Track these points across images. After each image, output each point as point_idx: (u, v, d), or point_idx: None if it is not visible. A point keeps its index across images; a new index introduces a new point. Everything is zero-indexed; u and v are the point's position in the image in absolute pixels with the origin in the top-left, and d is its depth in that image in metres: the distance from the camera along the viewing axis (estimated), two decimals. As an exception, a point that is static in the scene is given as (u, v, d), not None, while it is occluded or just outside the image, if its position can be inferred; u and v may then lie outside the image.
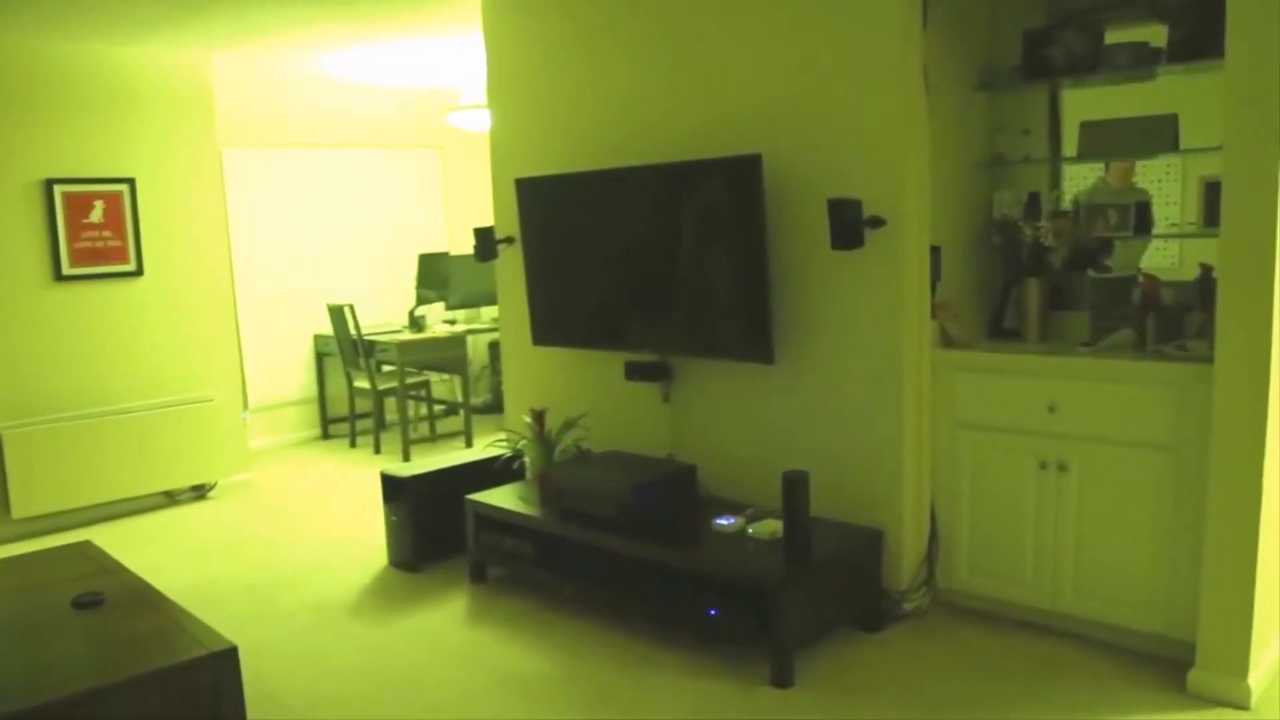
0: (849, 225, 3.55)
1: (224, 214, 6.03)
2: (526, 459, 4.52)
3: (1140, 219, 3.74)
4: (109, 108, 5.57)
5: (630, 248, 4.22)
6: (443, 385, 7.40)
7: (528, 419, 4.36)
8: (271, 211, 7.04)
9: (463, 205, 7.99)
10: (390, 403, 7.10)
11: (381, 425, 7.12)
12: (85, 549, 3.54)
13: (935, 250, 3.73)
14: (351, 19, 5.10)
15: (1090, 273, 3.86)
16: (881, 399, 3.68)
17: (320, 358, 7.25)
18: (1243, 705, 3.00)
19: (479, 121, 6.45)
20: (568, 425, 4.26)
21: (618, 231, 4.26)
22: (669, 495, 3.89)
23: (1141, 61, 3.60)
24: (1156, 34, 3.59)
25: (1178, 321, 3.47)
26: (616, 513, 3.78)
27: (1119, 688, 3.16)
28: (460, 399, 7.10)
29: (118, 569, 3.30)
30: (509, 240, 4.83)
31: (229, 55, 5.94)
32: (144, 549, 4.95)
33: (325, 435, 7.32)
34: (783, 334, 3.83)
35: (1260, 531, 2.98)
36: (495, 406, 7.60)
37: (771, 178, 3.72)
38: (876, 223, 3.58)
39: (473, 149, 7.94)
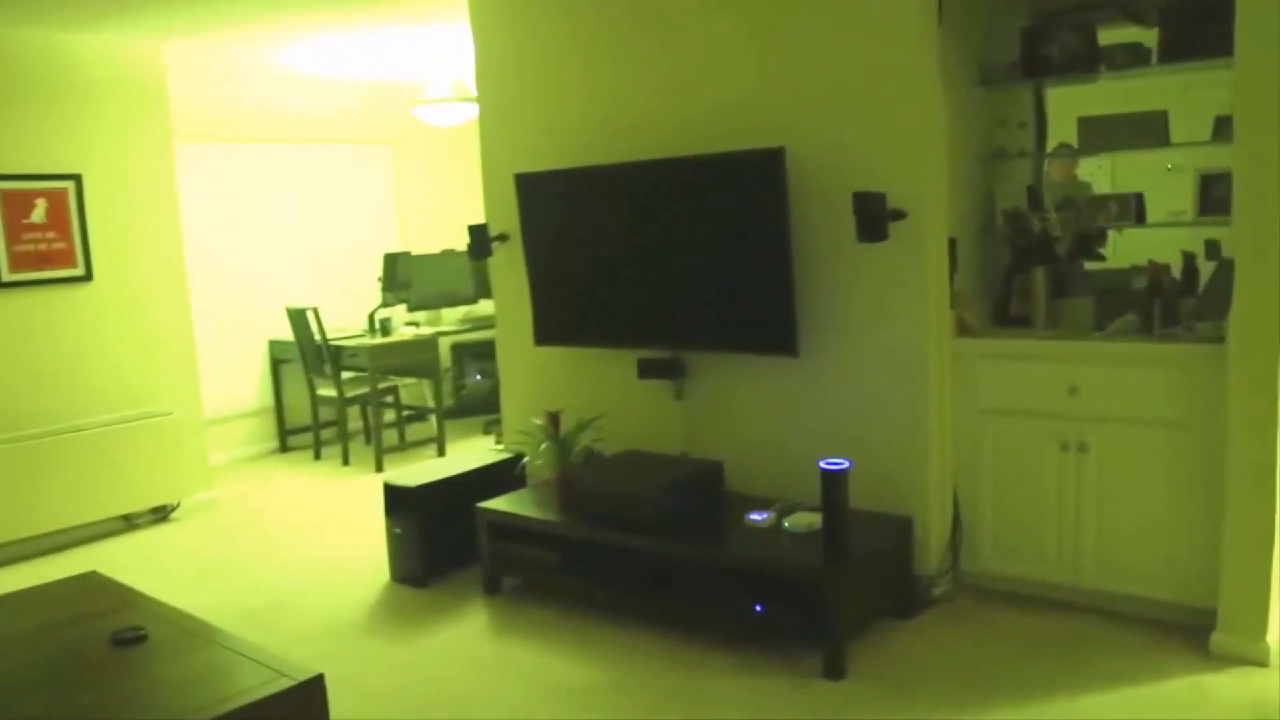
0: (874, 218, 3.62)
1: (177, 213, 5.78)
2: (529, 463, 4.46)
3: (1138, 211, 3.90)
4: (52, 98, 5.24)
5: (644, 243, 4.20)
6: (409, 391, 7.25)
7: (539, 421, 4.31)
8: (220, 210, 6.78)
9: (417, 203, 7.85)
10: (353, 411, 6.93)
11: (344, 435, 6.97)
12: (94, 579, 3.36)
13: (952, 242, 3.82)
14: (317, 7, 4.95)
15: (1085, 262, 4.02)
16: (907, 388, 3.75)
17: (276, 365, 7.04)
18: (1263, 663, 3.18)
19: (448, 115, 6.35)
20: (581, 426, 4.23)
21: (631, 227, 4.24)
22: (699, 493, 3.90)
23: (1135, 61, 3.75)
24: (1146, 35, 3.76)
25: (1175, 306, 3.64)
26: (649, 513, 3.77)
27: (1149, 655, 3.30)
28: (432, 404, 6.98)
29: (143, 600, 3.13)
30: (503, 237, 4.76)
31: (181, 45, 5.68)
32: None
33: (284, 448, 7.10)
34: (805, 326, 3.87)
35: (1277, 499, 3.15)
36: (462, 410, 7.50)
37: (790, 170, 3.76)
38: (898, 215, 3.65)
39: (428, 144, 7.81)
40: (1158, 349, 3.43)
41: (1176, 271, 3.71)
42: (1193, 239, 3.72)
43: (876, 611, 3.63)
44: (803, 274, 3.86)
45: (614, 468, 4.07)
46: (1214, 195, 3.62)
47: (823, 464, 3.52)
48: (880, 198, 3.62)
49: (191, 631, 2.82)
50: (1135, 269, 3.94)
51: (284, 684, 2.45)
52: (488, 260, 4.88)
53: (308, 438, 7.02)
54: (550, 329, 4.58)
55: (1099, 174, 4.23)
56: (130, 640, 2.72)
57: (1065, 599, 3.69)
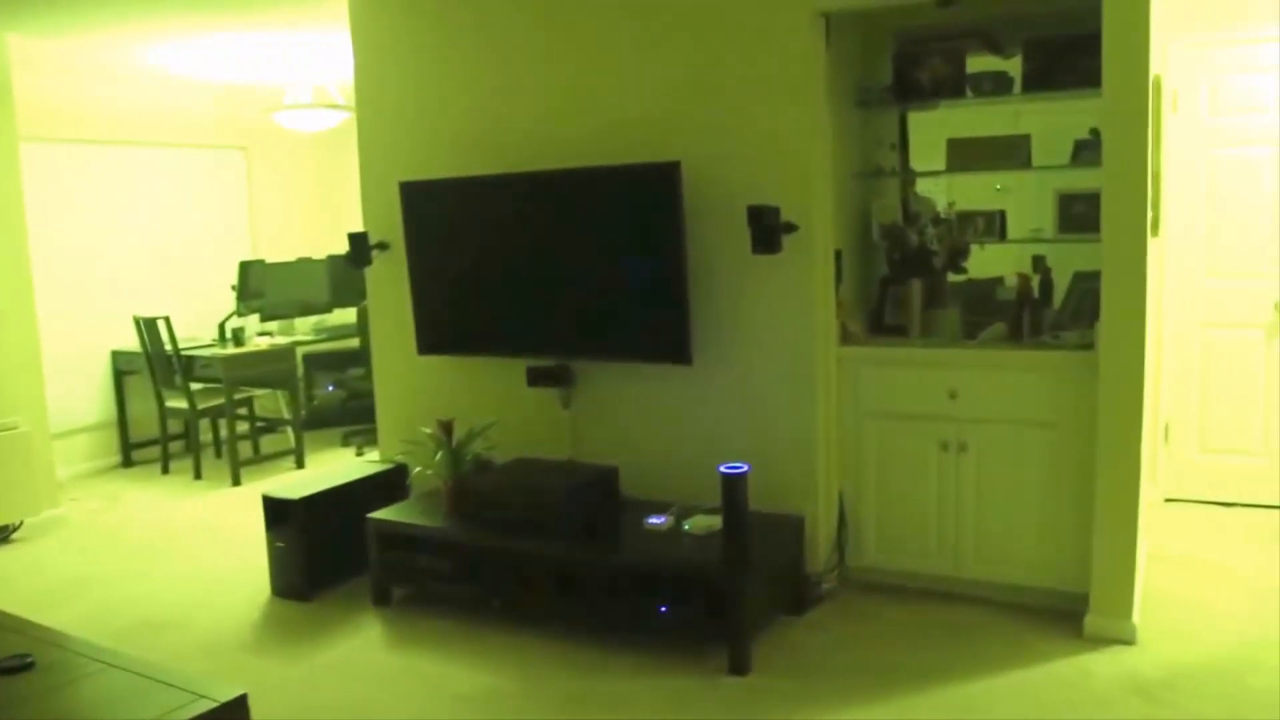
0: (768, 230, 3.77)
1: (22, 215, 5.40)
2: (419, 472, 4.40)
3: (1001, 227, 4.20)
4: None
5: (538, 253, 4.23)
6: (260, 403, 6.98)
7: (429, 430, 4.26)
8: (60, 213, 6.39)
9: (270, 210, 7.58)
10: (204, 424, 6.63)
11: (190, 448, 6.66)
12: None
13: (837, 254, 4.02)
14: (178, 9, 4.76)
15: (950, 274, 4.30)
16: (796, 393, 3.92)
17: (120, 376, 6.66)
18: (1131, 640, 3.48)
19: (310, 121, 6.17)
20: (473, 435, 4.21)
21: (524, 237, 4.26)
22: (595, 498, 3.95)
23: (1000, 88, 4.05)
24: (1011, 65, 4.06)
25: (1039, 315, 3.95)
26: (549, 518, 3.80)
27: (1029, 639, 3.55)
28: (286, 415, 6.74)
29: (18, 622, 2.84)
30: (384, 245, 4.69)
31: (24, 38, 5.33)
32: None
33: (128, 462, 6.72)
34: (698, 335, 3.99)
35: (1139, 491, 3.47)
36: (314, 422, 7.28)
37: (685, 183, 3.85)
38: (790, 228, 3.81)
39: (282, 150, 7.56)
40: (1031, 355, 3.71)
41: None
42: (1053, 254, 4.05)
43: (772, 608, 3.76)
44: (695, 284, 3.97)
45: (509, 475, 4.07)
46: (1072, 214, 3.94)
47: (723, 468, 3.64)
48: (774, 211, 3.78)
49: (83, 655, 2.58)
50: (992, 280, 4.25)
51: (205, 706, 2.24)
52: (363, 269, 4.80)
53: (152, 451, 6.68)
54: (434, 338, 4.54)
55: (934, 190, 4.52)
56: (16, 668, 2.45)
57: (947, 590, 3.92)
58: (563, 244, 4.18)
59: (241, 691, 2.34)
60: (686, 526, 3.78)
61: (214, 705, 2.28)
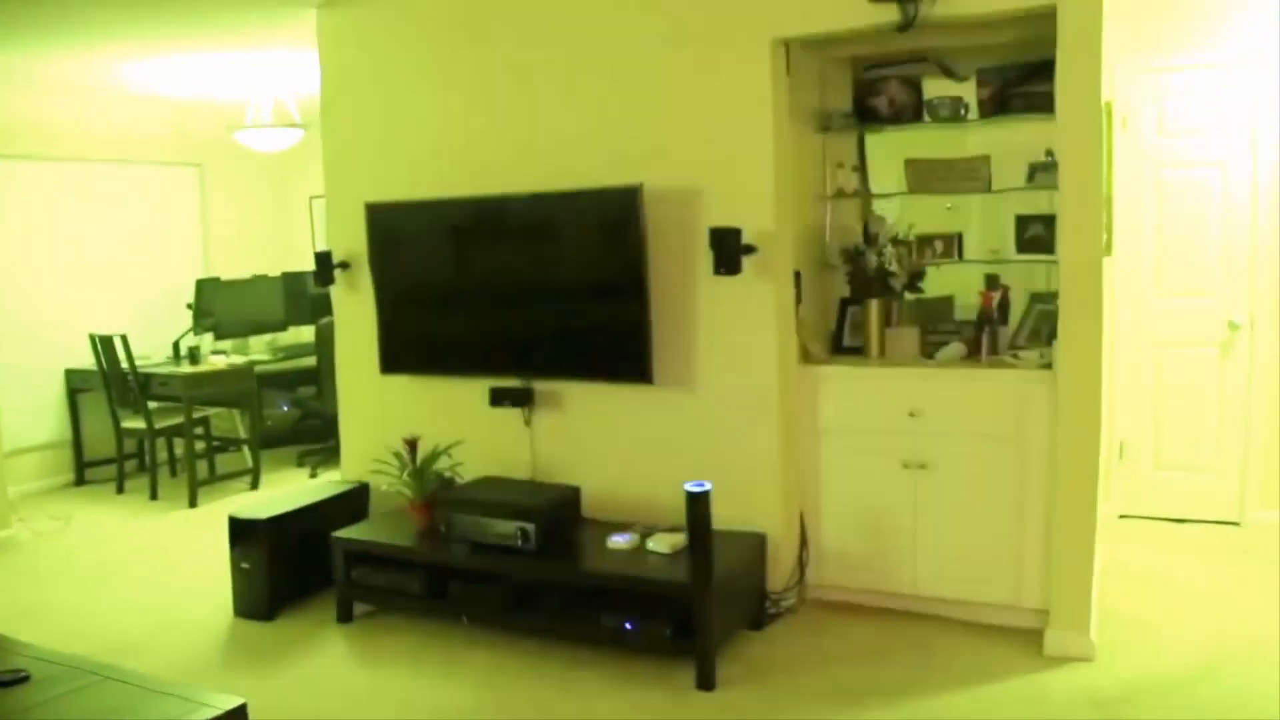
0: (729, 252, 3.83)
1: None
2: (386, 490, 4.40)
3: (959, 248, 4.30)
4: None
5: (501, 274, 4.27)
6: (217, 421, 6.90)
7: (396, 449, 4.26)
8: (11, 230, 6.31)
9: (224, 227, 7.53)
10: (160, 443, 6.56)
11: (144, 467, 6.58)
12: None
13: (797, 275, 4.08)
14: (154, 31, 4.75)
15: (907, 294, 4.39)
16: (757, 412, 3.97)
17: (74, 395, 6.56)
18: (1090, 657, 3.54)
19: (271, 141, 6.15)
20: (436, 454, 4.22)
21: (488, 258, 4.30)
22: (560, 517, 3.97)
23: (956, 114, 4.15)
24: (965, 89, 4.17)
25: (996, 334, 4.05)
26: (517, 537, 3.81)
27: (990, 655, 3.61)
28: (244, 435, 6.68)
29: (4, 641, 2.84)
30: (344, 265, 4.69)
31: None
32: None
33: (80, 481, 6.62)
34: (660, 354, 4.03)
35: (1096, 508, 3.56)
36: (266, 442, 7.21)
37: (647, 205, 3.91)
38: (750, 250, 3.88)
39: (237, 167, 7.52)
40: (989, 374, 3.79)
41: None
42: (1011, 274, 4.15)
43: (734, 624, 3.80)
44: (657, 305, 4.01)
45: (474, 493, 4.07)
46: (1029, 235, 4.05)
47: (687, 486, 3.69)
48: (735, 233, 3.84)
49: (76, 668, 2.59)
50: (950, 300, 4.34)
51: (207, 714, 2.27)
52: (327, 288, 4.80)
53: (105, 471, 6.60)
54: (398, 357, 4.55)
55: (886, 209, 4.60)
56: (12, 682, 2.48)
57: (907, 607, 3.98)
58: (526, 265, 4.22)
59: (241, 700, 2.35)
60: (650, 545, 3.81)
61: (216, 713, 2.30)
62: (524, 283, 4.23)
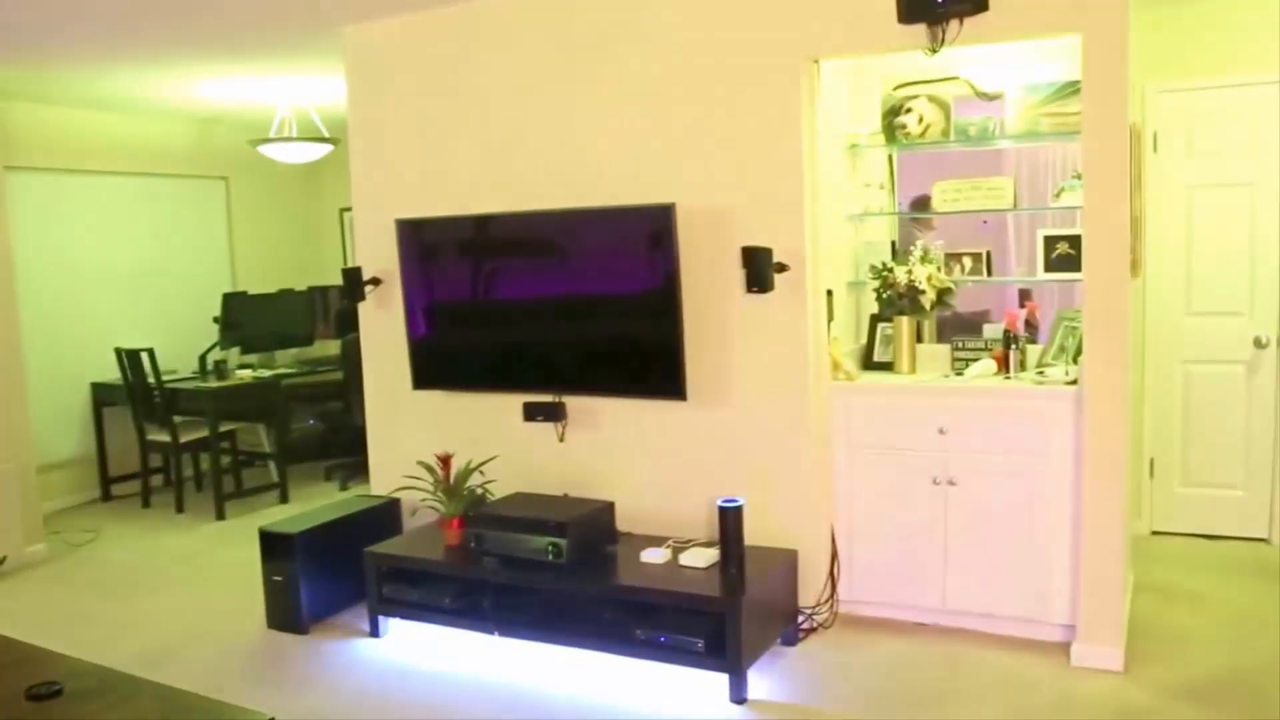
0: (762, 270, 3.87)
1: (7, 245, 5.38)
2: (420, 505, 4.43)
3: (988, 265, 4.33)
4: None
5: (530, 290, 4.30)
6: (242, 436, 6.95)
7: (429, 464, 4.29)
8: (38, 243, 6.36)
9: (251, 240, 7.59)
10: (186, 457, 6.60)
11: (169, 482, 6.63)
12: (-24, 636, 3.11)
13: (829, 293, 4.11)
14: (181, 58, 4.82)
15: (937, 311, 4.41)
16: (789, 428, 4.00)
17: (99, 409, 6.62)
18: (1118, 669, 3.56)
19: (298, 153, 6.21)
20: (469, 470, 4.25)
21: (517, 274, 4.34)
22: (594, 532, 4.00)
23: (984, 134, 4.19)
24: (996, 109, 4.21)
25: (1024, 351, 4.07)
26: (552, 552, 3.84)
27: (1018, 669, 3.62)
28: (270, 449, 6.72)
29: (38, 652, 2.92)
30: (376, 281, 4.74)
31: (9, 68, 5.37)
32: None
33: (107, 496, 6.67)
34: (693, 371, 4.06)
35: (1123, 522, 3.58)
36: (294, 455, 7.26)
37: (679, 224, 3.95)
38: (782, 268, 3.91)
39: (262, 181, 7.59)
40: (1018, 390, 3.81)
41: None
42: (1038, 290, 4.17)
43: (767, 638, 3.81)
44: (690, 322, 4.04)
45: (508, 509, 4.10)
46: (1056, 254, 4.07)
47: (720, 501, 3.72)
48: (767, 252, 3.88)
49: (109, 683, 2.65)
50: (980, 317, 4.37)
51: None
52: (356, 304, 4.84)
53: (131, 485, 6.65)
54: (430, 372, 4.58)
55: (915, 227, 4.63)
56: (46, 695, 2.53)
57: (936, 621, 4.00)
58: (558, 281, 4.25)
59: (269, 716, 2.39)
60: (683, 560, 3.83)
61: None
62: (556, 299, 4.26)
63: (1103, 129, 3.46)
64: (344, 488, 6.66)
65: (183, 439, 6.23)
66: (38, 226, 6.40)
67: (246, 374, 6.65)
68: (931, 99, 4.24)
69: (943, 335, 4.45)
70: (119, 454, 6.70)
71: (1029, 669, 3.62)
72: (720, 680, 3.51)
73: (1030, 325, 4.20)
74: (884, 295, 4.32)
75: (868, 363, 4.40)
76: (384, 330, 4.78)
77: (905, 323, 4.25)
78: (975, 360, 4.15)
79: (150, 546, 5.67)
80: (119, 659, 4.03)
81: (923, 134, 4.24)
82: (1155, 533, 5.08)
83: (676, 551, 3.91)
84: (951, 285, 4.28)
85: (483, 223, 4.37)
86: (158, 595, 4.85)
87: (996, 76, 4.12)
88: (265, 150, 6.22)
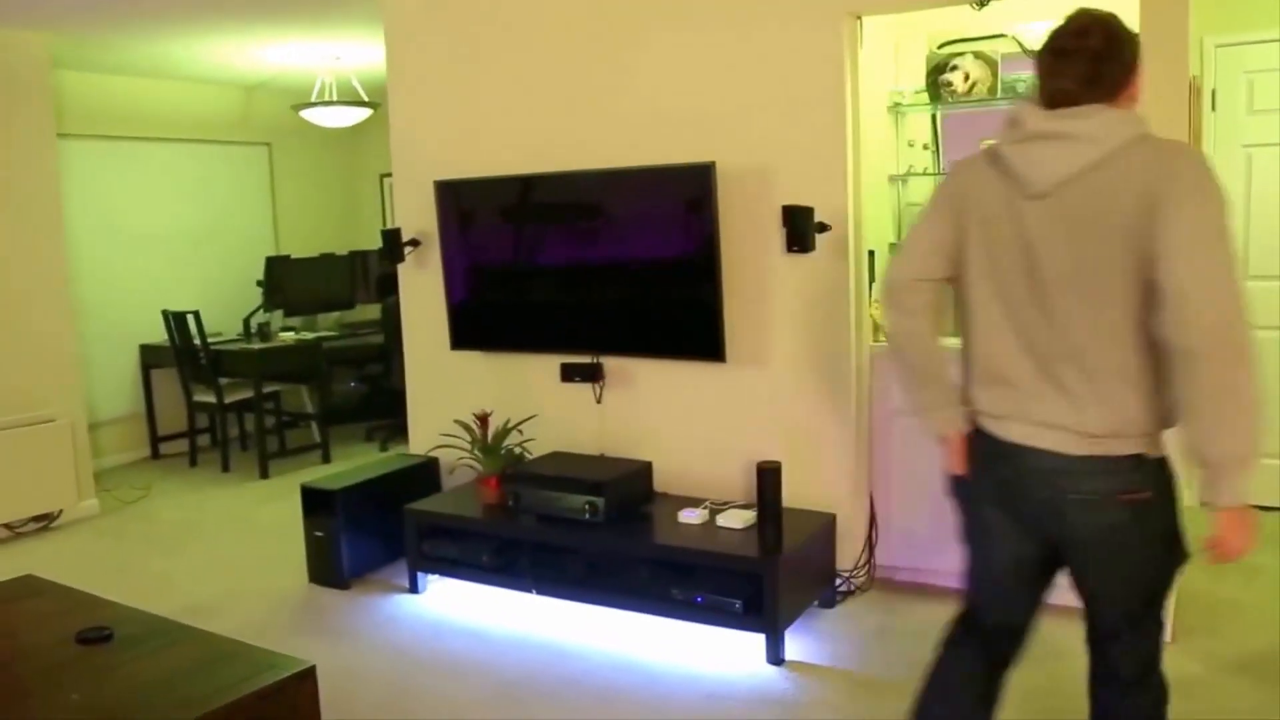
0: (802, 230, 3.83)
1: (59, 211, 5.49)
2: (457, 464, 4.47)
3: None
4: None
5: (569, 251, 4.29)
6: (286, 397, 7.04)
7: (467, 422, 4.32)
8: (87, 208, 6.46)
9: (293, 205, 7.66)
10: (230, 417, 6.71)
11: (215, 441, 6.74)
12: (32, 582, 3.20)
13: (870, 254, 4.07)
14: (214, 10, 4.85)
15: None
16: (829, 391, 3.97)
17: (148, 370, 6.73)
18: (1165, 639, 3.47)
19: (339, 118, 6.24)
20: (507, 429, 4.27)
21: (555, 235, 4.33)
22: (632, 492, 4.01)
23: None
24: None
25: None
26: (591, 511, 3.85)
27: (1061, 633, 3.50)
28: (312, 410, 6.81)
29: (92, 600, 3.00)
30: (415, 243, 4.76)
31: (59, 34, 5.42)
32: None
33: (156, 455, 6.80)
34: (732, 332, 4.04)
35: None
36: (335, 417, 7.34)
37: (719, 184, 3.91)
38: (823, 228, 3.87)
39: (304, 146, 7.64)
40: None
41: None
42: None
43: (804, 600, 3.81)
44: (729, 282, 4.02)
45: (546, 468, 4.12)
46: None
47: (758, 462, 3.71)
48: (808, 211, 3.84)
49: (156, 629, 2.74)
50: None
51: (277, 675, 2.41)
52: (395, 265, 4.87)
53: (179, 444, 6.77)
54: (468, 333, 4.60)
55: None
56: (96, 639, 2.63)
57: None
58: (597, 241, 4.23)
59: (311, 663, 2.45)
60: (720, 520, 3.83)
61: (287, 674, 2.43)
62: (595, 259, 4.25)
63: (1162, 86, 3.36)
64: (384, 448, 6.73)
65: (228, 400, 6.33)
66: (89, 192, 6.49)
67: (289, 336, 6.73)
68: (978, 56, 4.15)
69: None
70: (167, 413, 6.82)
71: (1070, 636, 3.56)
72: (757, 641, 3.52)
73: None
74: (927, 257, 4.25)
75: (909, 326, 4.35)
76: (423, 291, 4.80)
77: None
78: (1019, 323, 4.08)
79: (197, 503, 5.78)
80: (167, 609, 4.09)
81: (969, 92, 4.16)
82: (1205, 503, 4.97)
83: (714, 513, 3.91)
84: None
85: (521, 183, 4.37)
86: (204, 550, 4.95)
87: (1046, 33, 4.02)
88: (306, 115, 6.25)
